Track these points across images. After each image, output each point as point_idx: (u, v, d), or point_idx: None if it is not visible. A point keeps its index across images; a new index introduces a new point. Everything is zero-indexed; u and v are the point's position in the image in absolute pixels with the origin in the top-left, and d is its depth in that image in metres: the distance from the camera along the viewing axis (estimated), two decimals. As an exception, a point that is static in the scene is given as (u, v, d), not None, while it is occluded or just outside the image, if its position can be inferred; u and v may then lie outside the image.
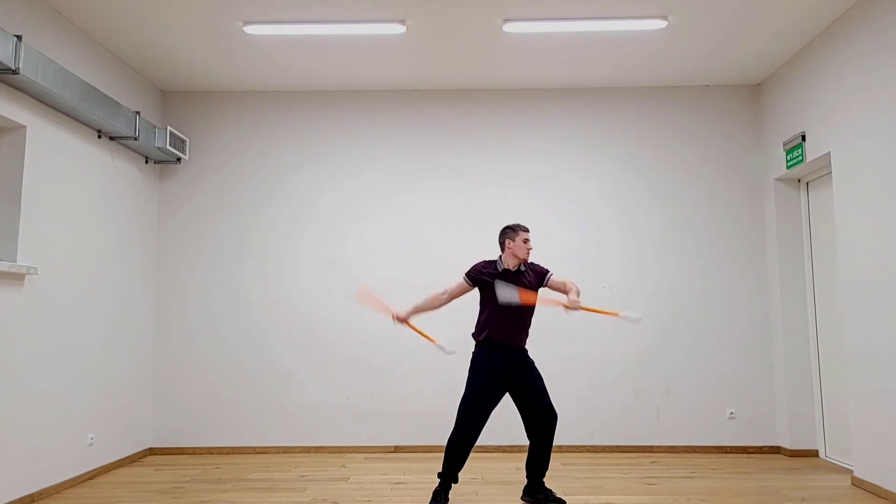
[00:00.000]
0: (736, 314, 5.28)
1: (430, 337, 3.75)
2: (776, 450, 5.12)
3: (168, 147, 5.02)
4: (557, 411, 4.99)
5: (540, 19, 4.29)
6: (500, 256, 3.74)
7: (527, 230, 3.68)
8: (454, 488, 4.07)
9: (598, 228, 5.38)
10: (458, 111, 5.51)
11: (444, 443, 5.17)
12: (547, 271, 3.79)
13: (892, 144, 3.79)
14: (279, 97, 5.55)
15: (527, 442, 3.90)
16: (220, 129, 5.52)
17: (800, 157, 4.77)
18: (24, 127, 3.85)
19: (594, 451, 5.17)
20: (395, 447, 5.22)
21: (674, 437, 5.19)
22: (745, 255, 5.32)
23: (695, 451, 5.15)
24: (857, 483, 4.11)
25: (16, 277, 3.73)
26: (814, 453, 4.95)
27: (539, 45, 4.70)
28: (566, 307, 3.53)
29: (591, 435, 5.21)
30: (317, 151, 5.50)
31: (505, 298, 3.53)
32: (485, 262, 3.77)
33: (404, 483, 4.25)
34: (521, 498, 3.75)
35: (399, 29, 4.38)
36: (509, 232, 3.70)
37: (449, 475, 3.61)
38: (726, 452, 5.13)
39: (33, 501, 3.86)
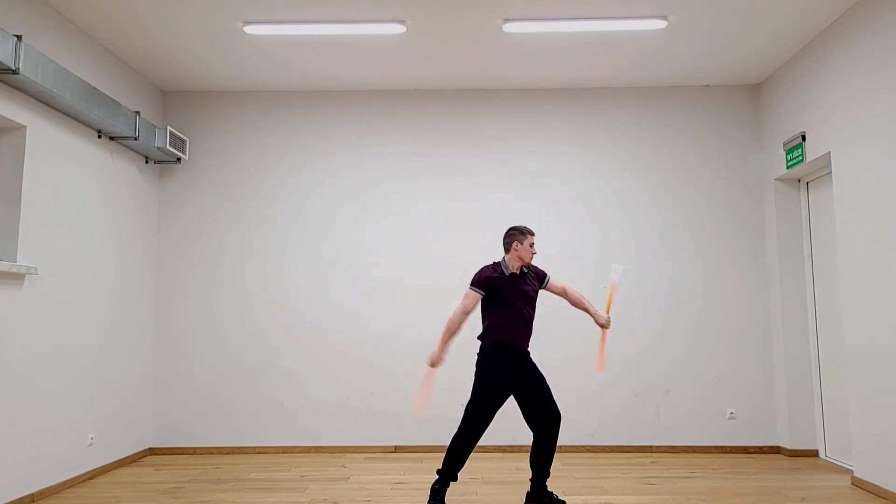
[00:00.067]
0: (736, 314, 5.28)
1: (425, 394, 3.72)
2: (776, 450, 5.12)
3: (168, 147, 5.02)
4: (558, 408, 4.98)
5: (540, 19, 4.29)
6: (505, 258, 3.70)
7: (533, 234, 3.69)
8: (454, 488, 4.07)
9: (598, 228, 5.38)
10: (458, 111, 5.51)
11: (444, 443, 5.18)
12: (545, 274, 3.80)
13: (892, 144, 3.79)
14: (279, 97, 5.55)
15: (527, 442, 3.91)
16: (220, 129, 5.52)
17: (800, 157, 4.77)
18: (24, 127, 3.85)
19: (594, 451, 5.17)
20: (395, 447, 5.22)
21: (674, 437, 5.19)
22: (745, 255, 5.32)
23: (695, 451, 5.15)
24: (857, 483, 4.11)
25: (16, 277, 3.73)
26: (814, 453, 4.95)
27: (539, 45, 4.70)
28: (603, 327, 3.78)
29: (591, 435, 5.21)
30: (317, 151, 5.50)
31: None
32: (489, 267, 3.69)
33: (404, 483, 4.25)
34: None
35: (399, 29, 4.38)
36: (517, 235, 3.65)
37: (449, 474, 3.60)
38: (726, 452, 5.13)
39: (33, 501, 3.86)
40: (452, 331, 3.68)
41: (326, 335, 5.33)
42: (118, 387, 4.78)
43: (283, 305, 5.35)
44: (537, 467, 3.60)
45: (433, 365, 3.68)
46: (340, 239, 5.42)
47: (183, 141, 5.27)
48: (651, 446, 5.18)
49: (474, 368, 3.69)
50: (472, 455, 5.08)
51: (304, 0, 4.05)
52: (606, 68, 5.12)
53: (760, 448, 5.14)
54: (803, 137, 4.72)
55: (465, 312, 3.65)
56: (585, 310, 3.82)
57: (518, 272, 3.67)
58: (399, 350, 5.30)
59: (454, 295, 5.26)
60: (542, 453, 3.60)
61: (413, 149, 5.49)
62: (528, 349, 3.70)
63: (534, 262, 3.90)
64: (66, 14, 4.21)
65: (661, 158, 5.44)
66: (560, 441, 5.16)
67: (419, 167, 5.47)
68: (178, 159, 5.33)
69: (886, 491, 3.83)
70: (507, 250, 3.70)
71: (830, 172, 4.65)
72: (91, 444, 4.43)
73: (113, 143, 4.75)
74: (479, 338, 3.71)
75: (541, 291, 3.77)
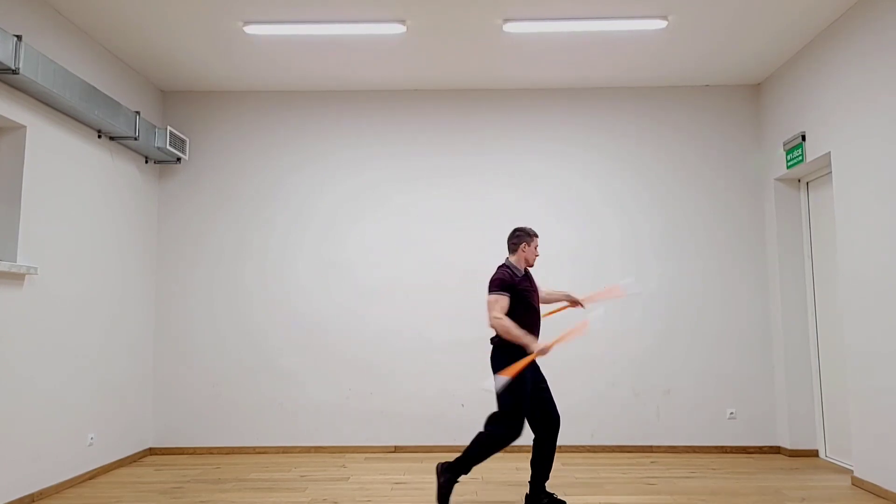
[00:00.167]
0: (736, 314, 5.28)
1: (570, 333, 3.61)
2: (776, 450, 5.12)
3: (168, 147, 5.02)
4: (558, 411, 4.98)
5: (540, 19, 4.29)
6: (510, 259, 3.70)
7: (538, 236, 3.72)
8: (455, 488, 4.07)
9: (598, 228, 5.38)
10: (458, 111, 5.51)
11: (444, 443, 5.19)
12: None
13: (892, 144, 3.79)
14: (279, 97, 5.55)
15: (527, 442, 3.90)
16: (220, 129, 5.52)
17: (800, 157, 4.77)
18: (24, 127, 3.85)
19: (594, 451, 5.17)
20: (395, 447, 5.22)
21: (674, 437, 5.19)
22: (745, 255, 5.32)
23: (695, 451, 5.15)
24: (858, 483, 4.11)
25: (16, 277, 3.73)
26: (814, 453, 4.95)
27: (539, 45, 4.70)
28: (583, 303, 3.78)
29: (591, 435, 5.20)
30: (317, 151, 5.50)
31: (496, 388, 3.48)
32: (506, 269, 3.63)
33: (404, 483, 4.25)
34: None
35: (399, 29, 4.38)
36: (524, 236, 3.67)
37: (468, 468, 3.54)
38: (726, 452, 5.13)
39: (33, 501, 3.86)
40: (514, 325, 3.49)
41: (326, 335, 5.33)
42: (118, 387, 4.78)
43: (283, 305, 5.35)
44: (538, 468, 3.60)
45: (544, 352, 3.48)
46: (340, 239, 5.42)
47: (183, 141, 5.27)
48: (651, 446, 5.18)
49: (493, 368, 3.60)
50: (472, 455, 5.09)
51: (304, 0, 4.05)
52: (606, 68, 5.12)
53: (760, 448, 5.14)
54: (803, 137, 4.72)
55: (505, 314, 3.54)
56: (559, 300, 3.87)
57: (524, 273, 3.68)
58: (399, 350, 5.30)
59: (454, 295, 5.30)
60: (544, 454, 3.60)
61: (413, 149, 5.49)
62: None
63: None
64: (66, 14, 4.21)
65: (661, 158, 5.44)
66: (560, 441, 5.17)
67: (419, 167, 5.47)
68: (178, 159, 5.33)
69: (886, 491, 3.83)
70: (513, 251, 3.70)
71: (830, 172, 4.65)
72: (91, 444, 4.43)
73: (113, 143, 4.75)
74: (494, 340, 3.62)
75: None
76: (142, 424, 5.12)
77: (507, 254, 3.83)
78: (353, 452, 5.20)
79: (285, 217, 5.44)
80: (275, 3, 4.08)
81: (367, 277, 5.37)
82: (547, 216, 5.38)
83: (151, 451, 5.22)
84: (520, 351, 3.52)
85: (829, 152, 4.42)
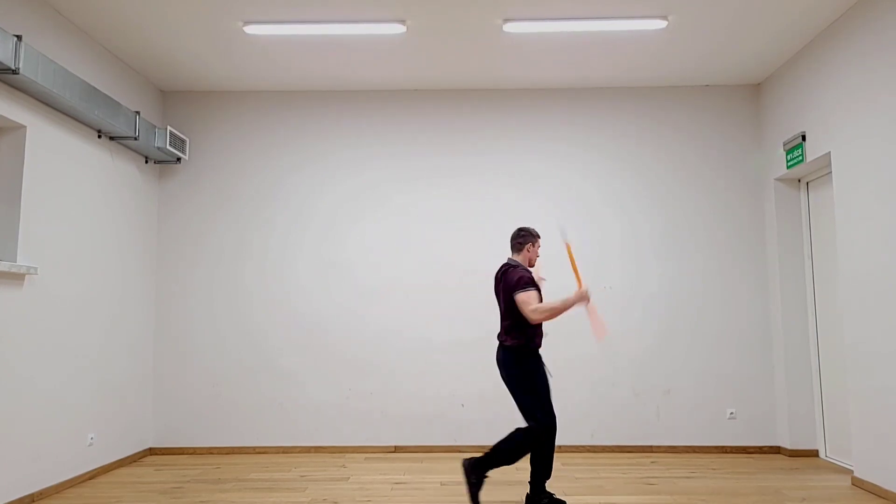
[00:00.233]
0: (736, 314, 5.28)
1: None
2: (776, 450, 5.12)
3: (168, 147, 5.02)
4: (557, 411, 4.99)
5: (540, 19, 4.29)
6: (517, 258, 3.72)
7: (540, 237, 3.78)
8: (454, 488, 4.08)
9: (598, 228, 5.38)
10: (458, 111, 5.51)
11: (444, 443, 5.19)
12: None
13: (892, 144, 3.79)
14: (279, 97, 5.55)
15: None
16: (220, 129, 5.52)
17: (800, 157, 4.77)
18: (24, 127, 3.85)
19: (594, 451, 5.17)
20: (395, 447, 5.22)
21: (674, 437, 5.19)
22: (745, 255, 5.32)
23: (695, 451, 5.15)
24: (858, 483, 4.11)
25: (16, 277, 3.73)
26: (814, 453, 4.95)
27: (539, 45, 4.70)
28: (585, 300, 3.60)
29: (591, 435, 5.20)
30: (317, 151, 5.50)
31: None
32: (522, 269, 3.64)
33: (404, 483, 4.25)
34: None
35: (399, 29, 4.38)
36: (530, 237, 3.72)
37: (497, 465, 3.52)
38: (726, 452, 5.13)
39: (33, 501, 3.86)
40: (549, 303, 3.49)
41: (326, 335, 5.33)
42: (118, 387, 4.78)
43: (283, 305, 5.35)
44: (538, 468, 3.60)
45: (586, 299, 3.50)
46: (340, 239, 5.42)
47: (183, 141, 5.27)
48: (651, 446, 5.18)
49: (507, 374, 3.56)
50: (472, 455, 5.08)
51: (304, 0, 4.05)
52: (606, 68, 5.12)
53: (760, 448, 5.14)
54: (803, 137, 4.72)
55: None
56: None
57: None
58: (399, 350, 5.30)
59: (454, 295, 5.30)
60: (543, 454, 3.60)
61: (413, 149, 5.49)
62: None
63: (536, 264, 3.90)
64: (66, 14, 4.21)
65: (661, 158, 5.44)
66: (560, 441, 5.17)
67: (419, 167, 5.47)
68: (178, 159, 5.33)
69: (886, 491, 3.83)
70: (517, 250, 3.73)
71: (830, 172, 4.65)
72: (91, 444, 4.43)
73: (113, 143, 4.75)
74: (515, 342, 3.56)
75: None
76: (142, 424, 5.12)
77: (509, 253, 3.82)
78: (353, 452, 5.20)
79: (285, 217, 5.44)
80: (275, 3, 4.08)
81: (367, 277, 5.37)
82: (547, 216, 5.38)
83: (151, 451, 5.22)
84: (533, 355, 3.55)
85: (829, 152, 4.42)
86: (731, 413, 5.19)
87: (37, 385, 3.90)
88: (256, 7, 4.13)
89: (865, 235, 4.02)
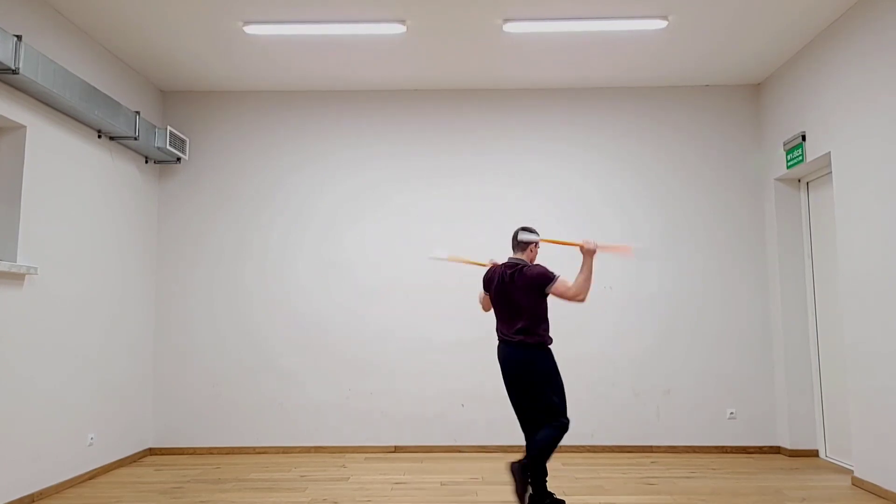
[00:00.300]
0: (736, 314, 5.28)
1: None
2: (776, 450, 5.12)
3: (168, 147, 5.02)
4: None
5: (540, 19, 4.29)
6: (522, 257, 3.72)
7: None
8: (454, 487, 4.08)
9: (598, 228, 5.38)
10: (458, 111, 5.51)
11: (444, 443, 5.19)
12: None
13: (892, 144, 3.79)
14: (279, 97, 5.55)
15: (522, 443, 3.89)
16: (220, 129, 5.52)
17: (800, 157, 4.77)
18: (24, 127, 3.85)
19: (594, 451, 5.17)
20: (395, 447, 5.22)
21: (674, 437, 5.19)
22: (745, 255, 5.32)
23: (695, 451, 5.15)
24: (858, 483, 4.11)
25: (16, 277, 3.73)
26: (814, 453, 4.95)
27: (539, 45, 4.70)
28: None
29: (591, 435, 5.20)
30: (317, 151, 5.50)
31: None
32: (535, 264, 3.69)
33: (404, 483, 4.25)
34: None
35: (399, 29, 4.38)
36: (535, 236, 3.72)
37: (545, 470, 3.56)
38: (726, 452, 5.13)
39: (33, 501, 3.86)
40: (576, 278, 3.53)
41: (326, 335, 5.33)
42: (118, 387, 4.78)
43: (283, 305, 5.35)
44: (543, 468, 3.60)
45: (594, 248, 3.54)
46: (340, 239, 5.42)
47: (183, 141, 5.27)
48: (651, 446, 5.18)
49: (533, 373, 3.53)
50: (472, 455, 5.09)
51: (304, 0, 4.05)
52: (606, 68, 5.12)
53: (760, 448, 5.14)
54: (803, 137, 4.72)
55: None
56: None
57: None
58: (399, 350, 5.30)
59: (454, 295, 5.29)
60: (550, 455, 3.63)
61: (413, 149, 5.49)
62: None
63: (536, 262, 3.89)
64: (66, 14, 4.21)
65: (661, 158, 5.44)
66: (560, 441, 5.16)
67: (419, 167, 5.47)
68: (178, 159, 5.33)
69: (886, 491, 3.83)
70: (523, 249, 3.71)
71: (830, 172, 4.65)
72: (91, 444, 4.43)
73: (113, 143, 4.75)
74: (538, 339, 3.55)
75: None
76: (142, 424, 5.12)
77: (509, 253, 3.82)
78: (353, 452, 5.20)
79: (285, 217, 5.44)
80: (275, 3, 4.08)
81: (367, 277, 5.37)
82: (547, 216, 5.38)
83: (151, 451, 5.22)
84: (551, 351, 3.62)
85: (829, 152, 4.42)
86: (731, 413, 5.19)
87: (37, 385, 3.90)
88: (256, 7, 4.13)
89: (865, 235, 4.02)
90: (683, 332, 5.27)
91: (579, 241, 3.62)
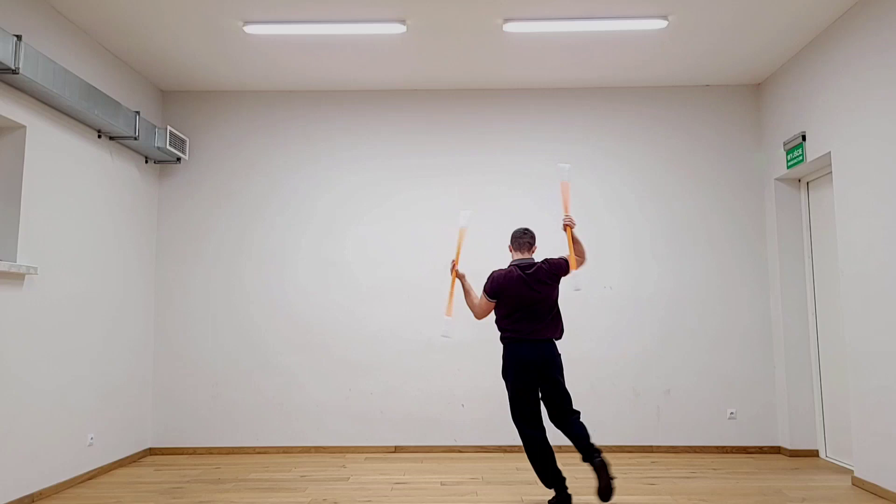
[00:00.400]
0: (736, 314, 5.28)
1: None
2: (776, 450, 5.12)
3: (168, 147, 5.02)
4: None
5: (540, 19, 4.29)
6: (526, 256, 3.79)
7: None
8: (454, 488, 4.08)
9: (598, 228, 5.38)
10: (458, 111, 5.51)
11: (444, 443, 5.19)
12: None
13: (892, 144, 3.79)
14: (279, 97, 5.55)
15: (519, 442, 3.88)
16: (220, 129, 5.52)
17: (800, 157, 4.77)
18: (24, 127, 3.85)
19: (594, 451, 5.16)
20: (395, 447, 5.22)
21: (674, 437, 5.18)
22: (745, 255, 5.32)
23: (695, 451, 5.15)
24: (858, 483, 4.11)
25: (16, 277, 3.73)
26: (814, 453, 4.95)
27: (539, 45, 4.70)
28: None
29: (591, 435, 5.19)
30: (317, 151, 5.50)
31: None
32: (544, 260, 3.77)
33: (404, 483, 4.25)
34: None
35: (399, 29, 4.38)
36: (534, 238, 3.84)
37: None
38: (726, 452, 5.13)
39: (33, 501, 3.86)
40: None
41: (326, 335, 5.33)
42: (118, 387, 4.78)
43: (282, 305, 5.35)
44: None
45: (574, 223, 3.81)
46: (340, 239, 5.42)
47: (183, 141, 5.27)
48: (651, 446, 5.18)
49: (559, 368, 3.73)
50: (471, 455, 5.09)
51: (304, 0, 4.05)
52: (606, 68, 5.12)
53: (761, 448, 5.14)
54: (803, 137, 4.72)
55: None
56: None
57: None
58: (399, 350, 5.30)
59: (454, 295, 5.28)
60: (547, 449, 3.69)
61: (413, 149, 5.49)
62: None
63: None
64: (66, 14, 4.21)
65: (661, 158, 5.44)
66: (560, 441, 5.15)
67: (419, 167, 5.47)
68: (178, 159, 5.33)
69: (887, 491, 3.83)
70: (527, 249, 3.78)
71: (830, 172, 4.65)
72: (91, 444, 4.43)
73: (113, 142, 4.75)
74: (559, 335, 3.78)
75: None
76: (142, 425, 5.12)
77: (511, 252, 3.84)
78: (353, 452, 5.19)
79: (285, 217, 5.44)
80: (275, 3, 4.08)
81: (366, 277, 5.37)
82: (546, 216, 5.37)
83: (151, 452, 5.22)
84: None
85: (830, 152, 4.42)
86: (732, 413, 5.19)
87: (36, 385, 3.90)
88: (256, 7, 4.13)
89: (865, 235, 4.02)
90: (683, 332, 5.27)
91: (564, 223, 3.78)
